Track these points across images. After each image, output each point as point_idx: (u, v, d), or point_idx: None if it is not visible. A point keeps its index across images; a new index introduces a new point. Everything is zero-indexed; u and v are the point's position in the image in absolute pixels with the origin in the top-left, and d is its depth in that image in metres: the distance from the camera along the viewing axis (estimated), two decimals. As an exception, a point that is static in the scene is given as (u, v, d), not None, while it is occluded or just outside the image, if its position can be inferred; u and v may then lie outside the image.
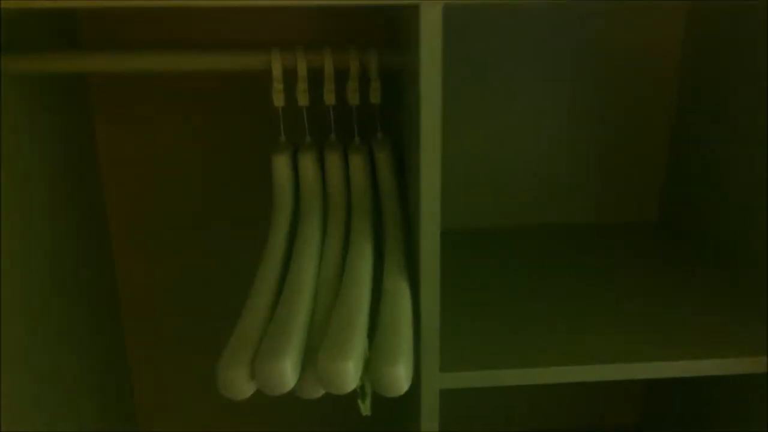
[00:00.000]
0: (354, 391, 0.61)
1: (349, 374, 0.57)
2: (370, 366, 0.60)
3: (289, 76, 0.75)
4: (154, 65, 0.73)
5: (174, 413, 1.11)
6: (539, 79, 0.95)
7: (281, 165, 0.77)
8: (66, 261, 0.84)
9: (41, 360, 0.78)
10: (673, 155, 1.00)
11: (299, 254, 0.70)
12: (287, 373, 0.57)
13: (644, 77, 0.97)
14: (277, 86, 0.74)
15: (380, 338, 0.62)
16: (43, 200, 0.79)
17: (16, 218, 0.73)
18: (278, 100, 0.75)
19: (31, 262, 0.76)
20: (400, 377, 0.59)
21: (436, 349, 0.69)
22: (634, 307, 0.80)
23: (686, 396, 0.99)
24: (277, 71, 0.72)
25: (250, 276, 0.69)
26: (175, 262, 1.02)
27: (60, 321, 0.83)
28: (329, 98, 0.75)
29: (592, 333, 0.75)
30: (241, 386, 0.58)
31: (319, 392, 0.63)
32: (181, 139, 0.94)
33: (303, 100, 0.75)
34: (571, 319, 0.78)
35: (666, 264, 0.91)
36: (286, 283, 0.67)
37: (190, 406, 1.12)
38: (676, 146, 1.00)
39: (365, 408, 0.65)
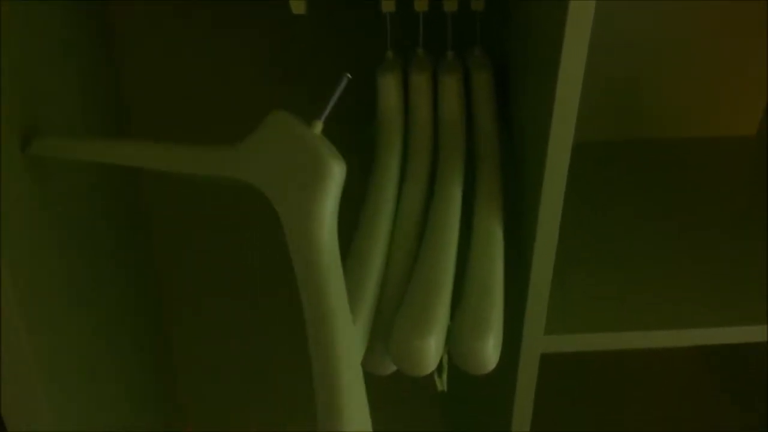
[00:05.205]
0: None
1: (430, 354, 0.48)
2: (452, 337, 0.51)
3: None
4: None
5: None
6: None
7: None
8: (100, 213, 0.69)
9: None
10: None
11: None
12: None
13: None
14: None
15: (467, 304, 0.51)
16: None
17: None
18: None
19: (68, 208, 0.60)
20: (488, 353, 0.49)
21: (543, 308, 0.58)
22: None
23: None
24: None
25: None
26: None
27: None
28: (421, 2, 0.61)
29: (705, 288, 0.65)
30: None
31: (390, 369, 0.53)
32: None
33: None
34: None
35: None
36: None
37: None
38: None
39: (441, 383, 0.55)
